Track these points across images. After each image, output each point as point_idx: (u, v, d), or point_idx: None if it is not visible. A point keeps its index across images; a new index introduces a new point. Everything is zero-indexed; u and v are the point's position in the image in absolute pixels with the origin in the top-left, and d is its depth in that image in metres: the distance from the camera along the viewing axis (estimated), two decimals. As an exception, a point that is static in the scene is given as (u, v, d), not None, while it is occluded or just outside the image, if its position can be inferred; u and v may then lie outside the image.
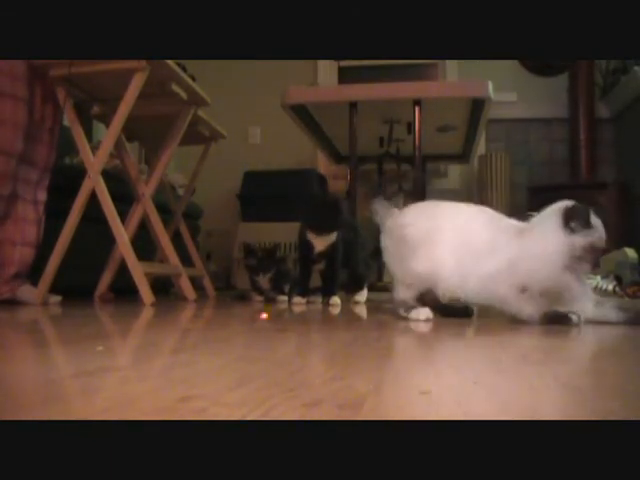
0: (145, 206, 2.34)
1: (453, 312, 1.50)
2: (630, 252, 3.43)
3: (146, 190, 2.36)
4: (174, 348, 0.98)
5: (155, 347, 0.97)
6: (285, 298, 2.35)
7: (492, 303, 1.39)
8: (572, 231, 1.29)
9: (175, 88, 2.23)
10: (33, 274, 2.12)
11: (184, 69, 2.26)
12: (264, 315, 1.60)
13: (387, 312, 1.54)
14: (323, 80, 4.78)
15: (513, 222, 1.44)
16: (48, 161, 2.17)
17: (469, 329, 1.30)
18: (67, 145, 2.45)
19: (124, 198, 2.46)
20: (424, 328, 1.28)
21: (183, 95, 2.30)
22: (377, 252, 1.59)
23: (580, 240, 1.28)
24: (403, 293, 1.46)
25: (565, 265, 1.29)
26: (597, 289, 3.20)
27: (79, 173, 2.16)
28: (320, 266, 2.19)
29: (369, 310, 1.91)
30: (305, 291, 2.23)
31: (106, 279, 2.37)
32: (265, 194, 4.06)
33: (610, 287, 3.18)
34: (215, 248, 4.40)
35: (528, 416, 0.49)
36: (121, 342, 1.07)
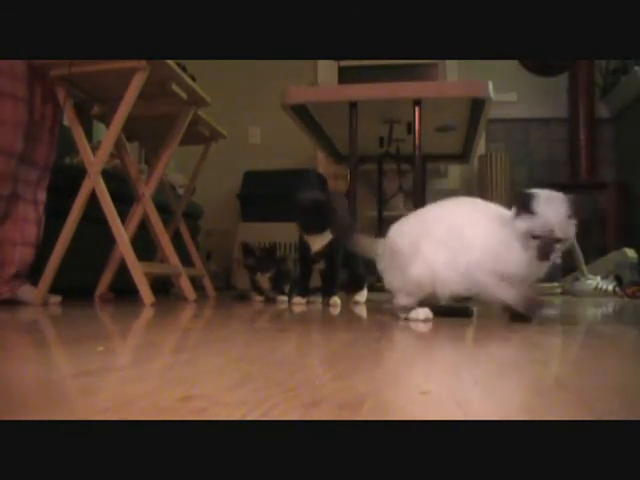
0: (145, 206, 2.34)
1: (453, 312, 1.50)
2: (630, 252, 3.43)
3: (146, 190, 2.36)
4: (174, 348, 0.98)
5: (155, 347, 0.97)
6: (285, 298, 2.35)
7: (476, 292, 1.42)
8: (516, 216, 1.31)
9: (175, 88, 2.23)
10: (33, 274, 2.12)
11: (184, 69, 2.26)
12: None
13: (387, 312, 1.54)
14: (323, 80, 4.78)
15: (500, 211, 1.44)
16: (48, 161, 2.17)
17: (469, 329, 1.30)
18: (67, 145, 2.46)
19: (124, 198, 2.46)
20: (424, 328, 1.28)
21: (183, 95, 2.30)
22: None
23: (520, 225, 1.29)
24: (403, 300, 1.46)
25: (524, 249, 1.31)
26: (597, 289, 3.20)
27: (79, 173, 2.16)
28: (320, 266, 2.19)
29: (369, 310, 1.91)
30: (305, 291, 2.23)
31: (106, 279, 2.37)
32: (265, 194, 4.06)
33: (610, 287, 3.18)
34: (215, 248, 4.40)
35: (528, 416, 0.49)
36: (121, 342, 1.07)
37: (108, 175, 2.24)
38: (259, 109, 4.81)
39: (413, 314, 1.43)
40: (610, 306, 2.32)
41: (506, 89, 4.37)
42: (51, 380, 0.64)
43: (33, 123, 2.06)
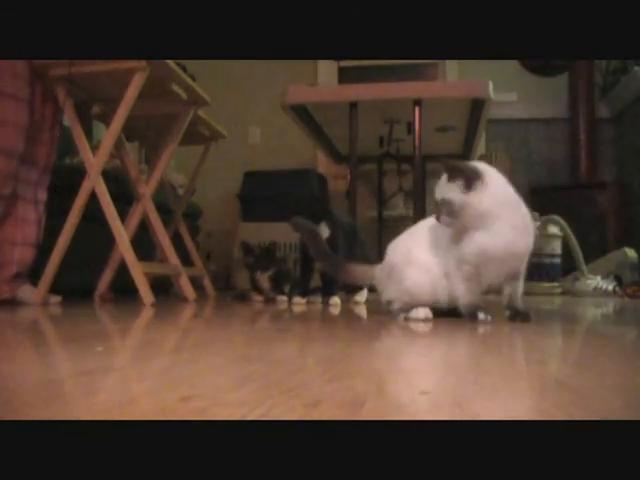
0: (145, 206, 2.34)
1: (453, 312, 1.50)
2: (630, 252, 3.43)
3: (146, 190, 2.36)
4: (174, 348, 0.98)
5: (155, 347, 0.97)
6: (285, 298, 2.35)
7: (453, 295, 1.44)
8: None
9: (175, 88, 2.23)
10: (33, 274, 2.12)
11: (184, 69, 2.26)
12: None
13: (387, 312, 1.54)
14: (323, 80, 4.78)
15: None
16: (48, 161, 2.18)
17: (469, 329, 1.30)
18: (67, 145, 2.45)
19: (124, 198, 2.46)
20: (424, 328, 1.28)
21: (183, 95, 2.30)
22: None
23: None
24: (400, 305, 1.49)
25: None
26: (597, 289, 3.20)
27: (79, 173, 2.16)
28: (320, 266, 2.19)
29: (369, 310, 1.91)
30: (305, 291, 2.23)
31: (106, 279, 2.37)
32: (265, 194, 4.06)
33: (610, 287, 3.18)
34: (215, 248, 4.40)
35: (528, 416, 0.49)
36: (121, 342, 1.07)
37: (108, 175, 2.24)
38: (259, 109, 4.81)
39: (413, 313, 1.44)
40: (610, 306, 2.32)
41: (506, 89, 4.37)
42: (51, 380, 0.64)
43: (34, 123, 2.06)
